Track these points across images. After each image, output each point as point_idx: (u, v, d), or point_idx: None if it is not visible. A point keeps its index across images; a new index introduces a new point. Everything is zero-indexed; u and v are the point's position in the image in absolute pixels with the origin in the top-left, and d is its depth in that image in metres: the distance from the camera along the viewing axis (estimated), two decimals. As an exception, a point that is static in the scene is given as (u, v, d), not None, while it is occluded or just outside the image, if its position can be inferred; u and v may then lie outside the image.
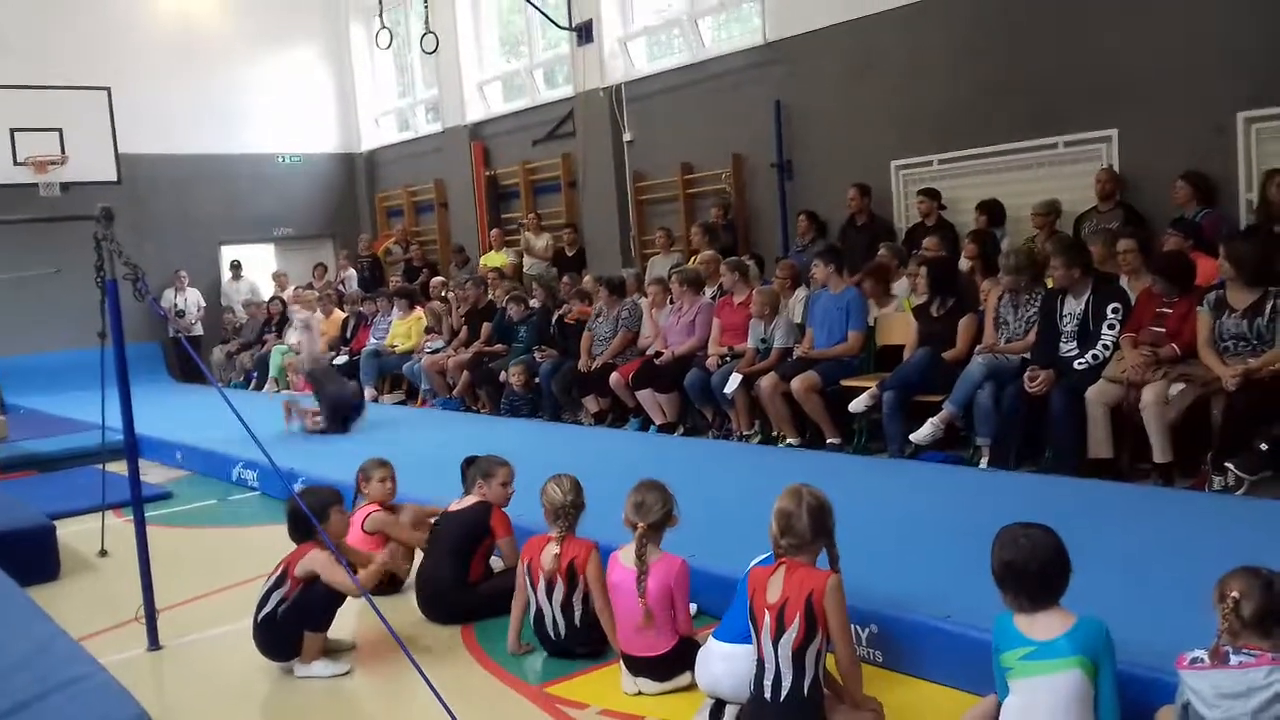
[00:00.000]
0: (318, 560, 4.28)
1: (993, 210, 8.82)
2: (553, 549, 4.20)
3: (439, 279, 13.06)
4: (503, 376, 10.26)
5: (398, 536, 5.34)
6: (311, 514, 4.24)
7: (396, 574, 5.28)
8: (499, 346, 10.94)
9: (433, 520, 5.35)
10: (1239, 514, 4.98)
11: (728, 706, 3.52)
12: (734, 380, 7.98)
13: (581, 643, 4.21)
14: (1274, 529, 4.59)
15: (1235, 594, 2.67)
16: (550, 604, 4.18)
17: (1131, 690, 3.10)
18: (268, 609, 4.32)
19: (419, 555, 5.33)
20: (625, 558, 4.02)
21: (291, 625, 4.28)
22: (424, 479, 6.26)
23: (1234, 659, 2.65)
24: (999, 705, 3.12)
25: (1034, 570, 3.03)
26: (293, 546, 4.50)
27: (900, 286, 8.34)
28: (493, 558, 4.98)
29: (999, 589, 3.12)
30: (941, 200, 9.29)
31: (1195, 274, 6.28)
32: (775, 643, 3.22)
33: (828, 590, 3.23)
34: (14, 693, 3.69)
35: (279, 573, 4.38)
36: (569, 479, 4.31)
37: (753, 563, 3.67)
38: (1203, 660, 2.69)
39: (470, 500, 4.98)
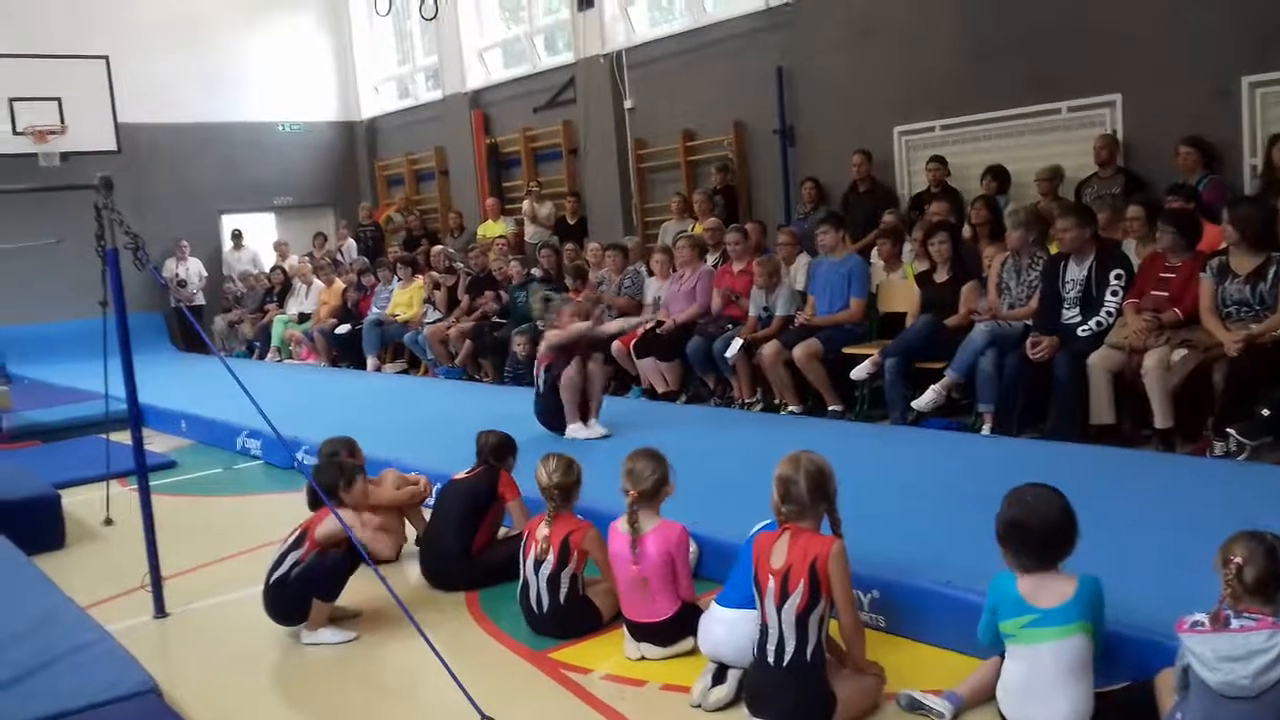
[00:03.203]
0: (342, 529, 4.29)
1: (1001, 176, 8.78)
2: (544, 528, 4.21)
3: (438, 248, 13.02)
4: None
5: (380, 500, 5.23)
6: (336, 485, 4.35)
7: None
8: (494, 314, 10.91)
9: (417, 483, 5.44)
10: (1240, 479, 4.98)
11: (730, 671, 3.55)
12: (735, 345, 7.98)
13: (560, 623, 4.18)
14: (1275, 494, 4.60)
15: (1238, 559, 2.68)
16: (536, 577, 4.19)
17: (1132, 653, 3.13)
18: (281, 571, 4.34)
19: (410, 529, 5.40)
20: (624, 525, 4.04)
21: (302, 591, 4.31)
22: (436, 448, 6.28)
23: (1235, 623, 2.66)
24: (1000, 667, 3.16)
25: (1038, 531, 3.05)
26: (296, 517, 4.52)
27: (903, 253, 8.32)
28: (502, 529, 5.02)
29: (1000, 547, 3.13)
30: (948, 165, 9.26)
31: (1202, 234, 6.26)
32: (779, 608, 3.23)
33: (832, 556, 3.24)
34: (23, 659, 3.73)
35: (297, 535, 4.40)
36: (558, 459, 4.30)
37: (755, 529, 3.69)
38: (1203, 624, 2.71)
39: (477, 468, 5.00)
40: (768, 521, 3.65)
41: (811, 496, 3.34)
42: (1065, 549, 3.08)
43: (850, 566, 3.32)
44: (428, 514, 5.27)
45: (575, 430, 6.89)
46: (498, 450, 5.03)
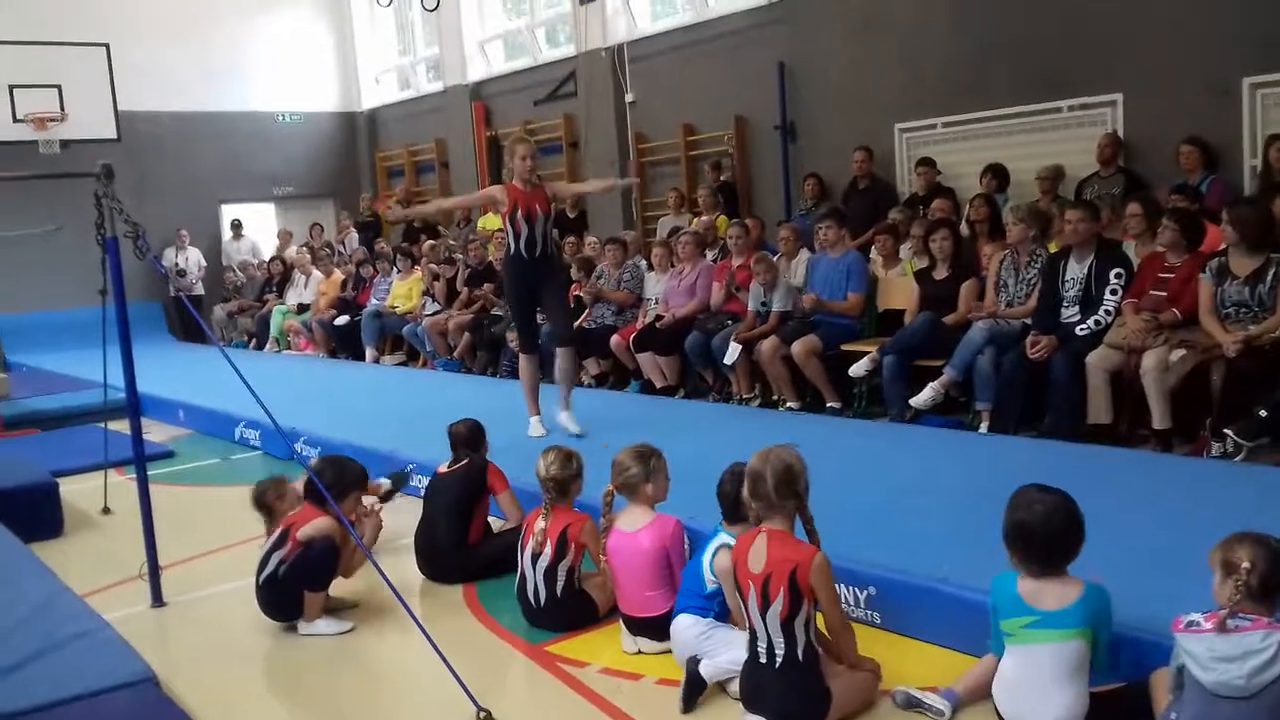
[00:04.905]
0: (324, 526, 4.30)
1: (1000, 174, 8.79)
2: (541, 521, 4.21)
3: (430, 243, 12.95)
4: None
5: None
6: (336, 487, 4.32)
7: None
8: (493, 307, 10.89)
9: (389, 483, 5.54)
10: (1237, 480, 4.98)
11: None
12: (733, 350, 7.97)
13: (557, 616, 4.19)
14: (1271, 495, 4.60)
15: (1247, 564, 2.68)
16: (534, 571, 4.19)
17: (1127, 652, 3.13)
18: (269, 570, 4.35)
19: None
20: (621, 521, 4.04)
21: (294, 586, 4.32)
22: (434, 440, 6.28)
23: (1230, 623, 2.67)
24: (997, 665, 3.16)
25: (1043, 535, 3.03)
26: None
27: (902, 250, 8.32)
28: (490, 517, 5.02)
29: (1006, 549, 3.12)
30: (937, 166, 9.27)
31: (1204, 235, 6.26)
32: (763, 614, 3.20)
33: (814, 570, 3.19)
34: (20, 648, 3.73)
35: (279, 533, 4.41)
36: (557, 452, 4.31)
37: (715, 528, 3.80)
38: (1198, 624, 2.71)
39: (461, 460, 5.01)
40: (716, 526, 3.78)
41: (778, 493, 3.27)
42: (1069, 554, 3.05)
43: (833, 573, 3.29)
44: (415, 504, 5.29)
45: (533, 427, 6.91)
46: (471, 439, 5.05)
